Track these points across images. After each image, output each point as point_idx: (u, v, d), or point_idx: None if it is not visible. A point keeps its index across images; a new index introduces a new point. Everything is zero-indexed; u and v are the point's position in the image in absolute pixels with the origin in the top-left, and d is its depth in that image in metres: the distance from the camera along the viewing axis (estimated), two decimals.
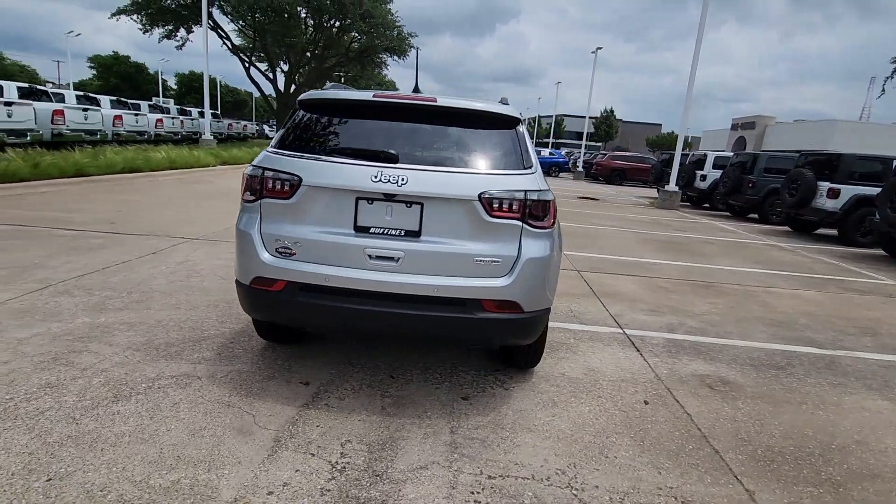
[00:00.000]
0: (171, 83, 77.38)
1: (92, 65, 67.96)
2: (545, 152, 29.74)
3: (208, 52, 19.65)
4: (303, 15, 23.04)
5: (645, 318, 4.38)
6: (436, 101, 2.48)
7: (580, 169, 27.96)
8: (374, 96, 2.52)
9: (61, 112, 12.56)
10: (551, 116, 76.46)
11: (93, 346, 2.97)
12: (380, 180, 2.29)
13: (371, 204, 2.36)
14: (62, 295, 3.73)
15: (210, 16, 23.36)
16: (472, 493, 2.02)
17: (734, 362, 3.57)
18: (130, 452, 2.07)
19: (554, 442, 2.42)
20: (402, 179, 2.29)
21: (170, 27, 24.81)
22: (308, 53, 25.47)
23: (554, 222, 2.58)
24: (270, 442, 2.23)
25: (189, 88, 72.82)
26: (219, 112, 32.15)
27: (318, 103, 2.58)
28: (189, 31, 25.43)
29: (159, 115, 18.78)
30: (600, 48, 27.11)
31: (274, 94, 26.54)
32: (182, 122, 20.22)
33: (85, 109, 13.54)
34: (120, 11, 22.21)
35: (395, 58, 26.47)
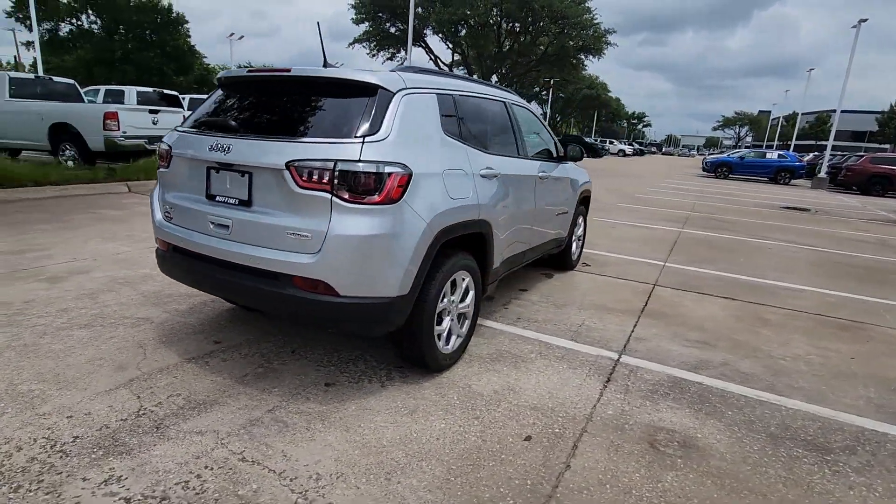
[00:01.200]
0: None
1: None
2: (773, 154, 24.33)
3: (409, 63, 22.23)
4: (498, 24, 24.03)
5: (673, 349, 3.35)
6: (290, 71, 2.43)
7: (823, 175, 22.04)
8: (248, 71, 2.61)
9: None
10: (824, 112, 61.74)
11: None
12: (213, 149, 2.37)
13: (218, 173, 2.46)
14: None
15: (423, 38, 26.35)
16: (207, 467, 1.94)
17: (744, 425, 2.47)
18: (33, 364, 2.63)
19: (354, 448, 2.12)
20: (228, 148, 2.32)
21: (393, 50, 28.81)
22: (506, 61, 26.43)
23: (394, 200, 2.24)
24: (126, 380, 2.54)
25: None
26: None
27: (220, 82, 2.80)
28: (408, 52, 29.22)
29: None
30: (864, 20, 20.53)
31: None
32: None
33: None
34: (356, 41, 26.93)
35: (591, 58, 25.34)
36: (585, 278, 4.96)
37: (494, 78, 27.40)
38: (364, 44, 27.15)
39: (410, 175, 2.31)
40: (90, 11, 36.58)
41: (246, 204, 2.38)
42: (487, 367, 2.94)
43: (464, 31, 25.32)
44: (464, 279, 2.86)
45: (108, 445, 2.03)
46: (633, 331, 3.64)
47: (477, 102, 3.18)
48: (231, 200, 2.43)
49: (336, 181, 2.16)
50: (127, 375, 2.57)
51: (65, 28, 37.13)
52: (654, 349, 3.34)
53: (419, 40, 26.52)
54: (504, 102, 3.58)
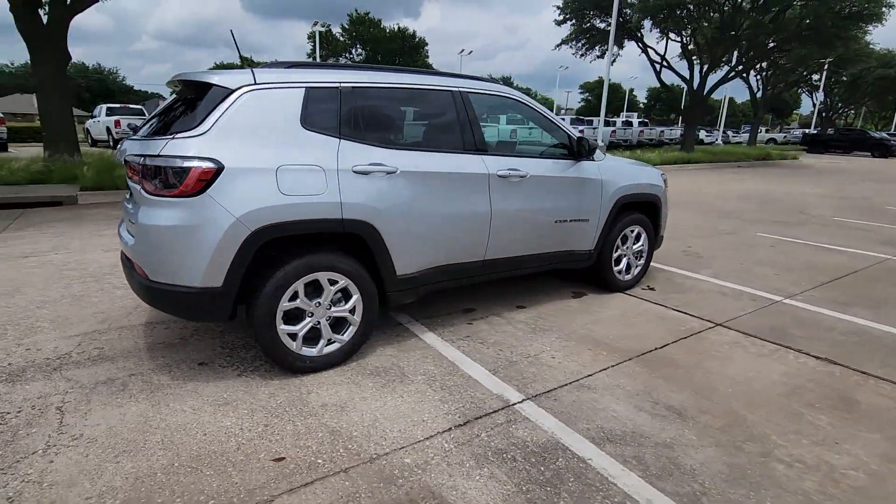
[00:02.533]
0: (642, 98, 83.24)
1: (583, 91, 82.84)
2: None
3: (609, 66, 20.52)
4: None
5: (614, 409, 2.44)
6: (178, 75, 2.70)
7: None
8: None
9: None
10: None
11: None
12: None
13: None
14: None
15: (640, 29, 24.15)
16: (33, 407, 2.37)
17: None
18: None
19: (136, 423, 2.26)
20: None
21: (604, 47, 27.19)
22: (741, 44, 21.99)
23: (194, 193, 2.27)
24: (86, 331, 3.23)
25: (656, 100, 76.98)
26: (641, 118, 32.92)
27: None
28: (621, 47, 27.22)
29: (581, 127, 21.66)
30: None
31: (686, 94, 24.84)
32: (581, 131, 22.35)
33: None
34: (563, 42, 26.36)
35: (868, 26, 18.65)
36: (624, 304, 3.95)
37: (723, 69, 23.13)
38: (571, 44, 26.43)
39: (220, 170, 2.32)
40: (358, 45, 45.11)
41: (132, 200, 2.75)
42: (353, 378, 2.71)
43: (682, 14, 22.18)
44: (336, 282, 2.70)
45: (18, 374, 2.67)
46: (589, 376, 2.79)
47: (386, 94, 2.92)
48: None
49: (142, 174, 2.35)
50: (84, 328, 3.27)
51: (342, 61, 46.59)
52: (583, 404, 2.51)
53: (636, 31, 24.40)
54: (453, 92, 3.16)
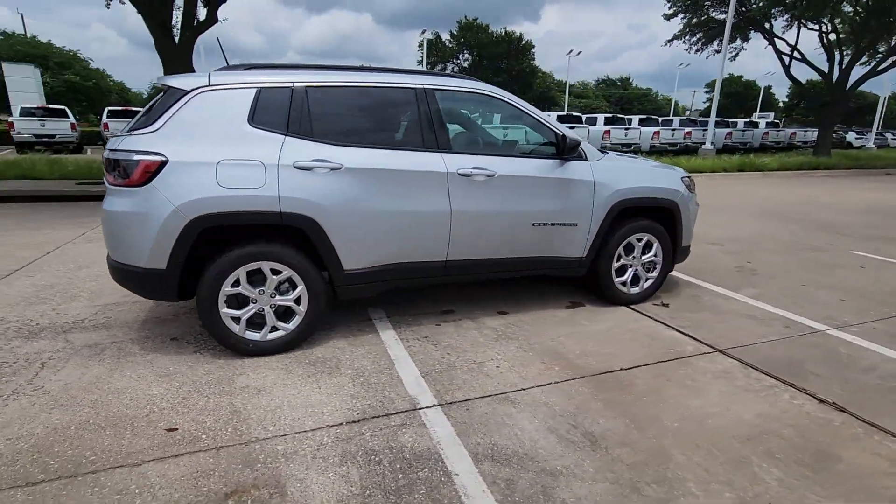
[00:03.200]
0: (782, 96, 73.60)
1: (708, 90, 75.46)
2: None
3: (724, 61, 18.40)
4: None
5: (517, 429, 2.24)
6: (158, 79, 3.02)
7: None
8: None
9: (608, 132, 16.90)
10: None
11: None
12: None
13: None
14: None
15: (769, 19, 21.46)
16: (23, 359, 2.82)
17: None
18: None
19: (76, 388, 2.59)
20: None
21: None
22: None
23: (140, 183, 2.53)
24: (104, 304, 3.74)
25: (800, 98, 67.61)
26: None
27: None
28: (745, 40, 24.28)
29: (656, 128, 19.90)
30: None
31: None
32: (687, 133, 20.31)
33: (572, 127, 16.94)
34: (674, 38, 24.23)
35: None
36: (618, 318, 3.57)
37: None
38: (684, 39, 24.17)
39: (164, 163, 2.57)
40: (465, 51, 45.96)
41: None
42: (288, 365, 2.80)
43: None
44: (279, 272, 2.83)
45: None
46: (522, 390, 2.59)
47: (340, 93, 2.97)
48: None
49: (106, 166, 2.67)
50: (109, 300, 3.78)
51: (449, 67, 47.81)
52: (493, 418, 2.34)
53: (763, 21, 21.73)
54: (416, 90, 3.11)
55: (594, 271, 3.68)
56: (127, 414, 2.33)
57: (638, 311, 3.73)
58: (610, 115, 21.01)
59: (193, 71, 12.25)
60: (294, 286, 2.90)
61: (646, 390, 2.61)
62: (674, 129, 22.00)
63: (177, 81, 2.75)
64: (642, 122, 21.63)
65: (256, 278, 2.83)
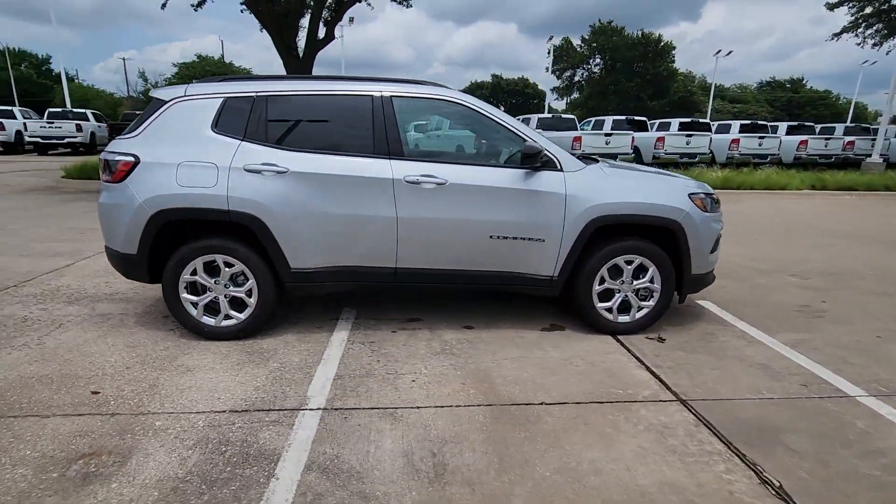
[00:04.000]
0: None
1: None
2: None
3: None
4: None
5: (370, 445, 2.13)
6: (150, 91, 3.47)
7: None
8: None
9: (737, 140, 15.83)
10: None
11: None
12: None
13: None
14: None
15: None
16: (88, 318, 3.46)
17: None
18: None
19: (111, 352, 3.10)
20: None
21: None
22: None
23: (119, 180, 2.95)
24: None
25: None
26: None
27: None
28: None
29: (803, 137, 16.80)
30: None
31: None
32: (849, 143, 16.82)
33: (689, 135, 15.18)
34: (843, 31, 20.25)
35: None
36: (587, 348, 3.18)
37: None
38: (856, 32, 19.98)
39: (136, 163, 2.97)
40: (597, 55, 44.10)
41: None
42: (229, 350, 3.02)
43: None
44: (232, 265, 3.08)
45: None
46: (416, 408, 2.46)
47: (297, 101, 3.11)
48: None
49: (100, 166, 3.15)
50: None
51: (579, 73, 46.33)
52: (357, 431, 2.27)
53: None
54: (373, 97, 3.13)
55: (571, 294, 3.34)
56: (78, 374, 2.74)
57: (621, 343, 3.29)
58: (749, 122, 18.34)
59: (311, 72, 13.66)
60: (246, 279, 3.13)
61: (548, 431, 2.31)
62: (828, 139, 18.31)
63: (160, 93, 3.16)
64: (792, 131, 18.54)
65: (214, 269, 3.12)
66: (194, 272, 3.09)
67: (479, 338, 3.34)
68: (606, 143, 14.34)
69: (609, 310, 3.38)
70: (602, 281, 3.32)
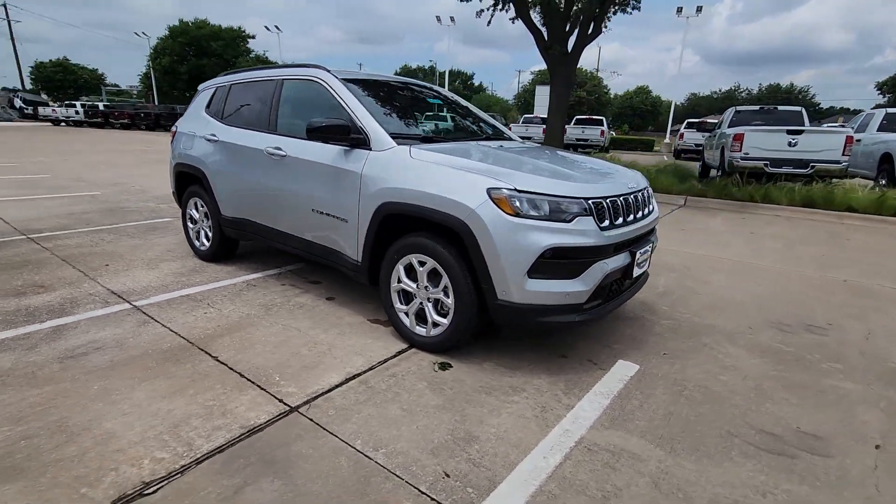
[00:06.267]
0: None
1: None
2: None
3: None
4: None
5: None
6: None
7: None
8: None
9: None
10: None
11: None
12: None
13: None
14: None
15: None
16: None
17: None
18: None
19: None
20: None
21: None
22: None
23: (172, 142, 4.56)
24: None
25: None
26: None
27: None
28: None
29: None
30: None
31: None
32: None
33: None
34: None
35: None
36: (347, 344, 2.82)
37: None
38: None
39: (175, 132, 4.52)
40: None
41: None
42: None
43: None
44: (196, 204, 4.33)
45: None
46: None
47: (246, 87, 3.93)
48: None
49: None
50: None
51: None
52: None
53: None
54: (276, 81, 3.63)
55: (378, 286, 3.03)
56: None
57: (416, 360, 2.78)
58: None
59: (573, 84, 13.62)
60: (206, 219, 4.32)
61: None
62: None
63: (201, 85, 4.63)
64: None
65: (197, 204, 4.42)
66: (195, 207, 4.48)
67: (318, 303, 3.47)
68: (790, 145, 8.47)
69: (406, 314, 2.89)
70: (399, 279, 2.88)
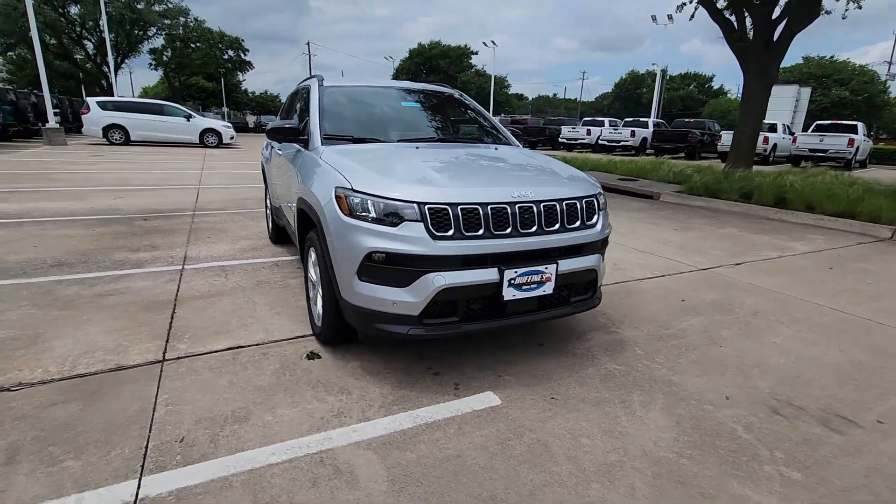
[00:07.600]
0: None
1: None
2: None
3: None
4: None
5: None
6: None
7: None
8: None
9: None
10: None
11: None
12: None
13: None
14: None
15: None
16: None
17: None
18: None
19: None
20: None
21: None
22: None
23: None
24: None
25: None
26: None
27: None
28: None
29: None
30: None
31: None
32: None
33: None
34: None
35: None
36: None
37: None
38: None
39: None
40: None
41: None
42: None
43: None
44: None
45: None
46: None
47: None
48: None
49: None
50: None
51: None
52: None
53: None
54: (298, 90, 4.17)
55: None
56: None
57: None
58: None
59: (775, 80, 11.09)
60: None
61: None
62: None
63: None
64: None
65: None
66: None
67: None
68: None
69: (315, 304, 3.06)
70: (307, 270, 3.08)
